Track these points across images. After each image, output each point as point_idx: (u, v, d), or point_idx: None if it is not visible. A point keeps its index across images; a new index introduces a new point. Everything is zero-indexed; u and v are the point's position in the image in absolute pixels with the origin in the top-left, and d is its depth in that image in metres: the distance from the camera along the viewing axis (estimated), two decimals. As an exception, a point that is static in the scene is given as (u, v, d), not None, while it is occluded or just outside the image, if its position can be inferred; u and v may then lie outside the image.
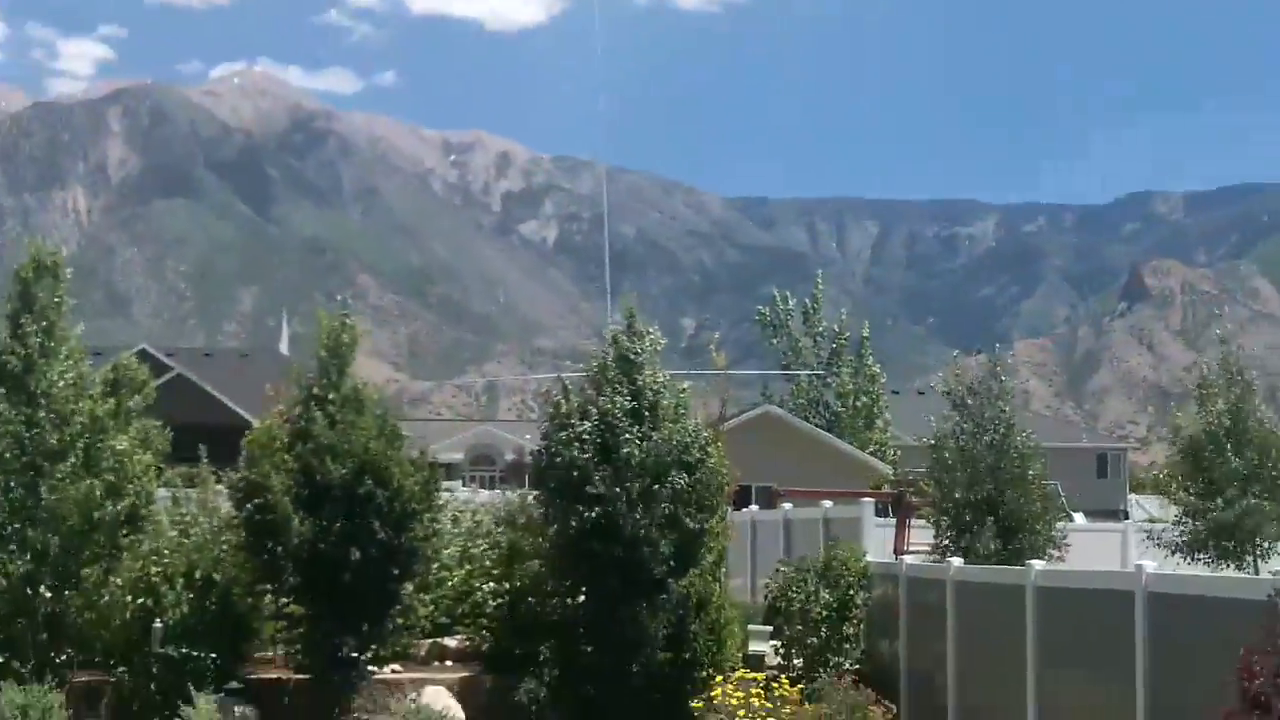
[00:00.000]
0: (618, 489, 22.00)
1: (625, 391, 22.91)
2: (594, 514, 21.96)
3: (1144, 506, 51.95)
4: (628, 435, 22.32)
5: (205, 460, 25.79)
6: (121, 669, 22.67)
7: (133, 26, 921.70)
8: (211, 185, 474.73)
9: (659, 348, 24.16)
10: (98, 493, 21.87)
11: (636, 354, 23.46)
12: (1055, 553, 27.50)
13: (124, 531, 22.63)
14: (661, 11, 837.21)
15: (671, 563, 22.26)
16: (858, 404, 68.36)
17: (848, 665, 22.93)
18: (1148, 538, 31.48)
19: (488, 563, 26.10)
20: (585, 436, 22.49)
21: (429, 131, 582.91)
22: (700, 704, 21.75)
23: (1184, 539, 30.73)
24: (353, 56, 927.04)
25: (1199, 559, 30.25)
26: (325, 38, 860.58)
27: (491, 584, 25.43)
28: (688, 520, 22.34)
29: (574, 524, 22.19)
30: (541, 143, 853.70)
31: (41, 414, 21.92)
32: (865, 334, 73.97)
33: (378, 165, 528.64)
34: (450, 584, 25.74)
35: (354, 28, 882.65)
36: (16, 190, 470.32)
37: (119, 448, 22.61)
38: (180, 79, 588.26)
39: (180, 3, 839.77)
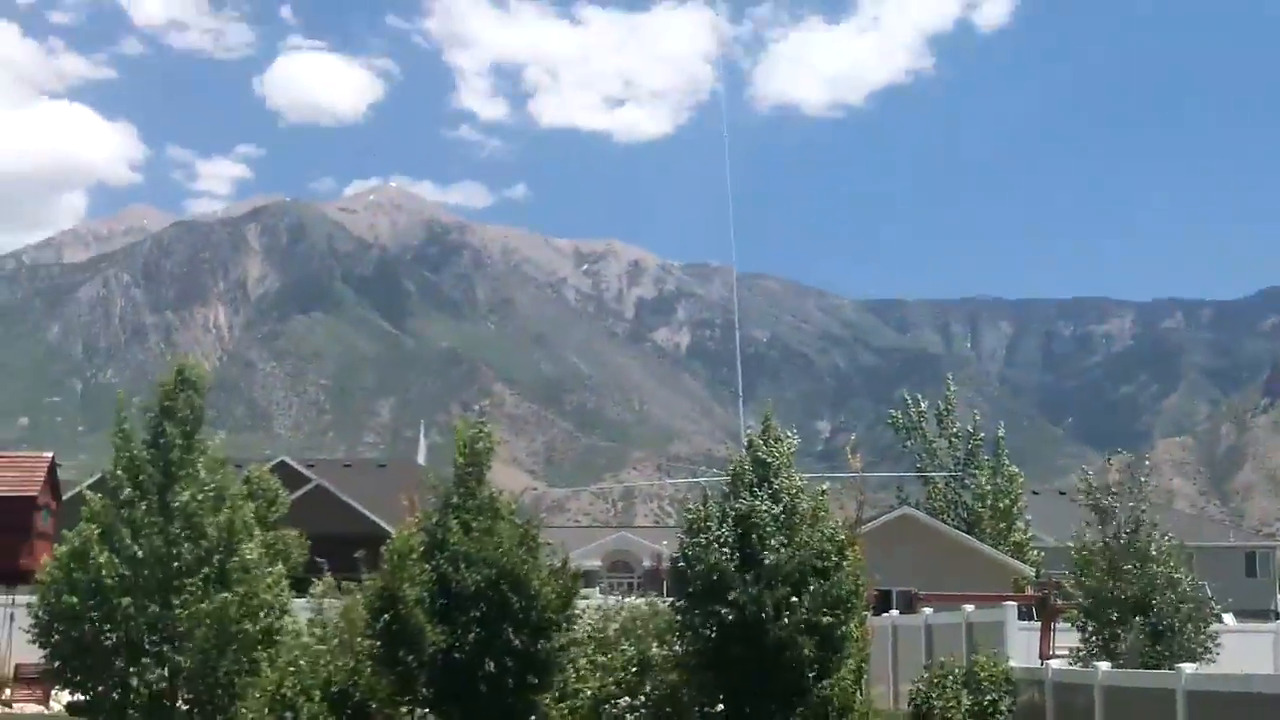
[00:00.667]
0: (760, 592, 21.71)
1: (764, 495, 22.73)
2: (734, 618, 21.70)
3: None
4: (770, 541, 22.07)
5: (328, 572, 25.85)
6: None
7: (269, 146, 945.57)
8: (349, 299, 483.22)
9: (794, 450, 23.97)
10: (232, 609, 21.92)
11: (774, 458, 23.30)
12: (1208, 655, 26.74)
13: (260, 645, 22.64)
14: (786, 118, 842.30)
15: (813, 668, 21.88)
16: (998, 506, 67.28)
17: (993, 772, 22.41)
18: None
19: (620, 674, 25.85)
20: (725, 540, 22.27)
21: (561, 241, 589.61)
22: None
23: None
24: (484, 171, 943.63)
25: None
26: (456, 153, 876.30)
27: (627, 698, 25.17)
28: (828, 624, 21.97)
29: (714, 629, 21.95)
30: (672, 250, 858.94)
31: (177, 527, 22.12)
32: (1001, 434, 72.96)
33: (511, 276, 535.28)
34: (586, 694, 25.42)
35: (484, 142, 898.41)
36: (159, 308, 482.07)
37: (249, 557, 22.71)
38: (316, 197, 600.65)
39: (315, 121, 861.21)
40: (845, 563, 22.53)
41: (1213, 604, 37.50)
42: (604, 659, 26.30)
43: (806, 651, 21.59)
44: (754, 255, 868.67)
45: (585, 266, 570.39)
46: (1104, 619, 27.16)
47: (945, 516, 66.54)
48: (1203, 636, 27.22)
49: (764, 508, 22.38)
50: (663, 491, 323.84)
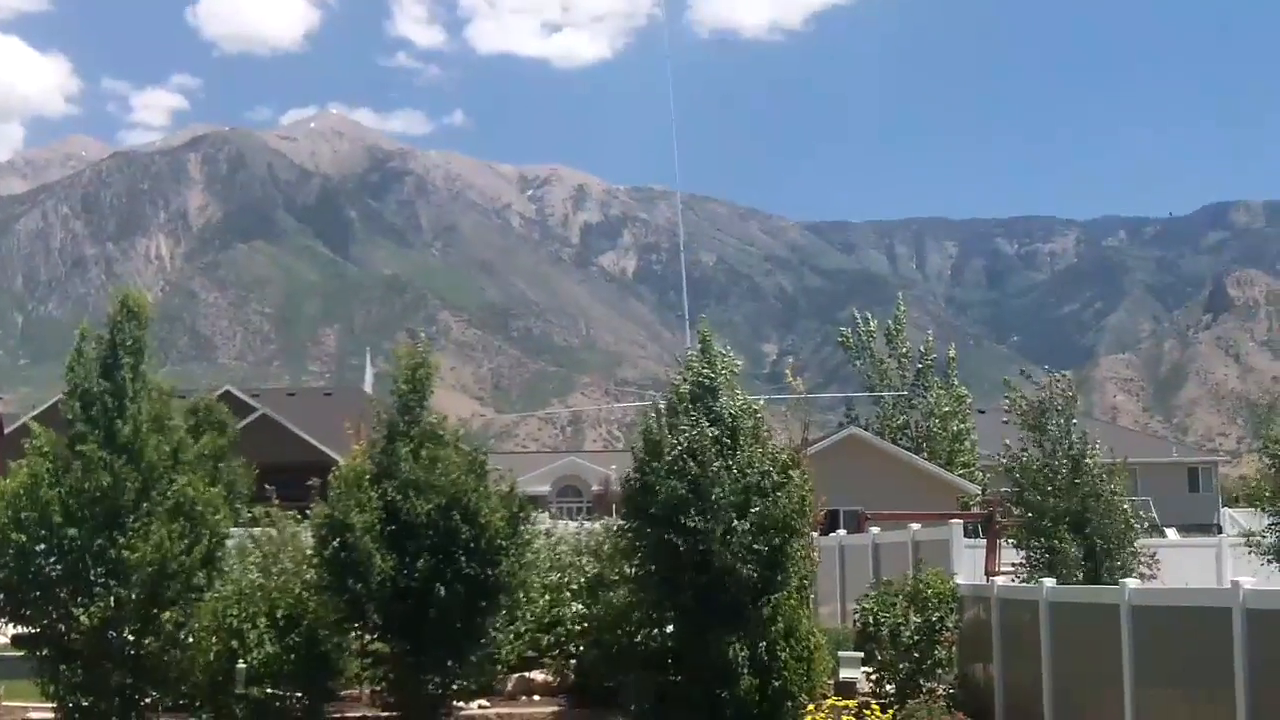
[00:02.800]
0: (711, 521, 21.75)
1: (705, 419, 22.68)
2: (685, 544, 21.75)
3: (1237, 520, 51.00)
4: (715, 466, 22.09)
5: (276, 501, 25.76)
6: (206, 711, 22.72)
7: (205, 76, 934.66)
8: (291, 228, 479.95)
9: (736, 370, 23.98)
10: (168, 541, 21.88)
11: (712, 378, 23.28)
12: (1146, 570, 27.03)
13: (200, 574, 22.58)
14: (725, 43, 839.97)
15: (756, 589, 22.00)
16: (948, 426, 67.65)
17: (940, 690, 22.59)
18: (1245, 545, 30.88)
19: (571, 591, 26.00)
20: (677, 469, 22.24)
21: (505, 167, 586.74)
22: (793, 731, 21.49)
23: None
24: (422, 98, 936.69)
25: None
26: (394, 80, 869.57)
27: (578, 605, 25.29)
28: (770, 545, 22.04)
29: (668, 556, 22.03)
30: (617, 174, 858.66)
31: (123, 461, 22.05)
32: (952, 354, 73.33)
33: (455, 202, 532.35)
34: (533, 613, 25.46)
35: (422, 69, 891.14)
36: (99, 240, 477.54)
37: (191, 491, 22.62)
38: (254, 125, 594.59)
39: (250, 51, 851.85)
40: (789, 482, 22.53)
41: (1153, 519, 37.95)
42: (555, 578, 26.44)
43: (748, 573, 21.69)
44: (699, 179, 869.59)
45: (529, 192, 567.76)
46: (1043, 535, 27.41)
47: (895, 438, 66.90)
48: (1131, 551, 27.49)
49: (708, 432, 22.38)
50: (611, 416, 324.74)
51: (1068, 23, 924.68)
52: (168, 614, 22.25)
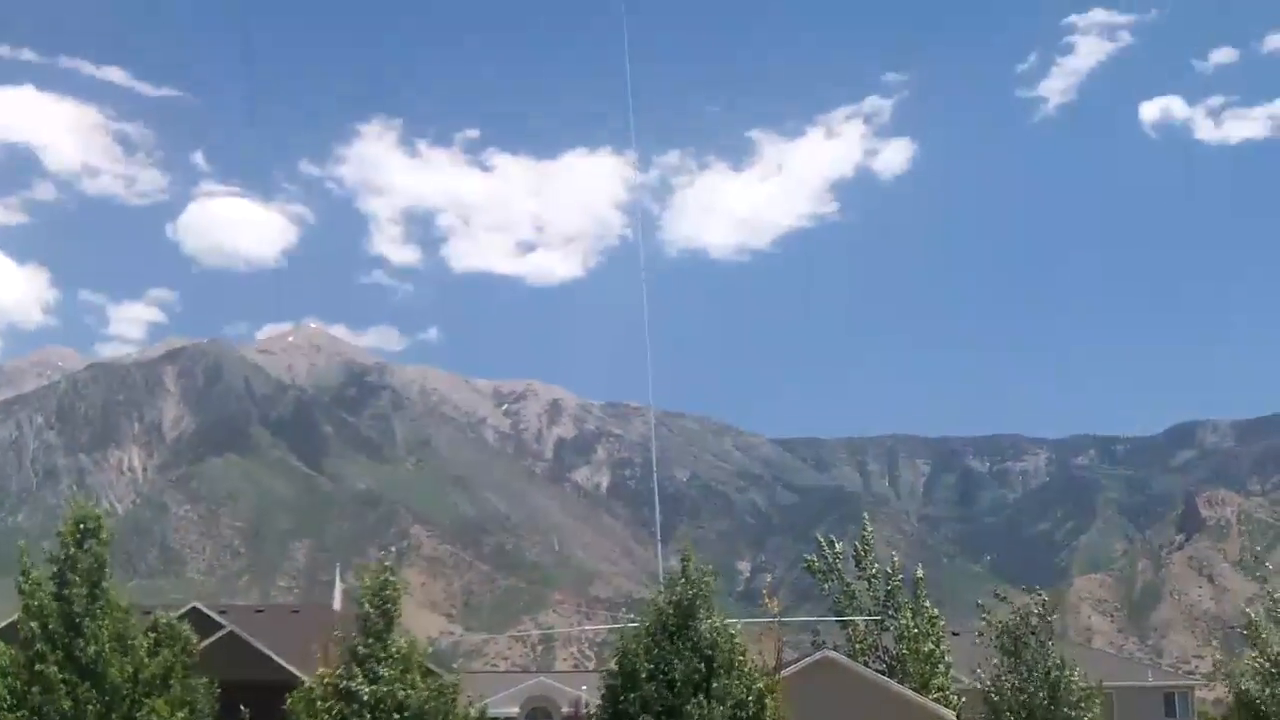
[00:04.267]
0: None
1: (684, 646, 22.53)
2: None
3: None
4: (689, 702, 21.84)
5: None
6: None
7: (182, 290, 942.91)
8: (265, 441, 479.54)
9: (714, 593, 23.90)
10: None
11: (690, 601, 23.17)
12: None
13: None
14: (695, 262, 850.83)
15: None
16: (920, 649, 66.94)
17: None
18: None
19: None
20: (650, 701, 21.95)
21: (481, 382, 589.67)
22: None
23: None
24: (397, 315, 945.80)
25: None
26: (369, 297, 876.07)
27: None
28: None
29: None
30: (592, 390, 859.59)
31: (85, 686, 21.73)
32: (920, 574, 72.87)
33: (430, 416, 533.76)
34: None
35: (397, 287, 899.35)
36: (72, 450, 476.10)
37: (154, 712, 22.25)
38: (231, 339, 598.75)
39: (229, 267, 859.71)
40: (764, 712, 22.31)
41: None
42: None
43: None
44: (672, 395, 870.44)
45: (505, 406, 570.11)
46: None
47: (867, 659, 66.14)
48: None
49: (682, 665, 22.20)
50: (583, 635, 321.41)
51: (1033, 242, 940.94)
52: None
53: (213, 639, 63.93)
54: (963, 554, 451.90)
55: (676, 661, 22.00)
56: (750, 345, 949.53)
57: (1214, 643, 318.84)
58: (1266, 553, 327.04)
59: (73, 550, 22.75)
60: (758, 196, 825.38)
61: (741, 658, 23.26)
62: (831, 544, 73.39)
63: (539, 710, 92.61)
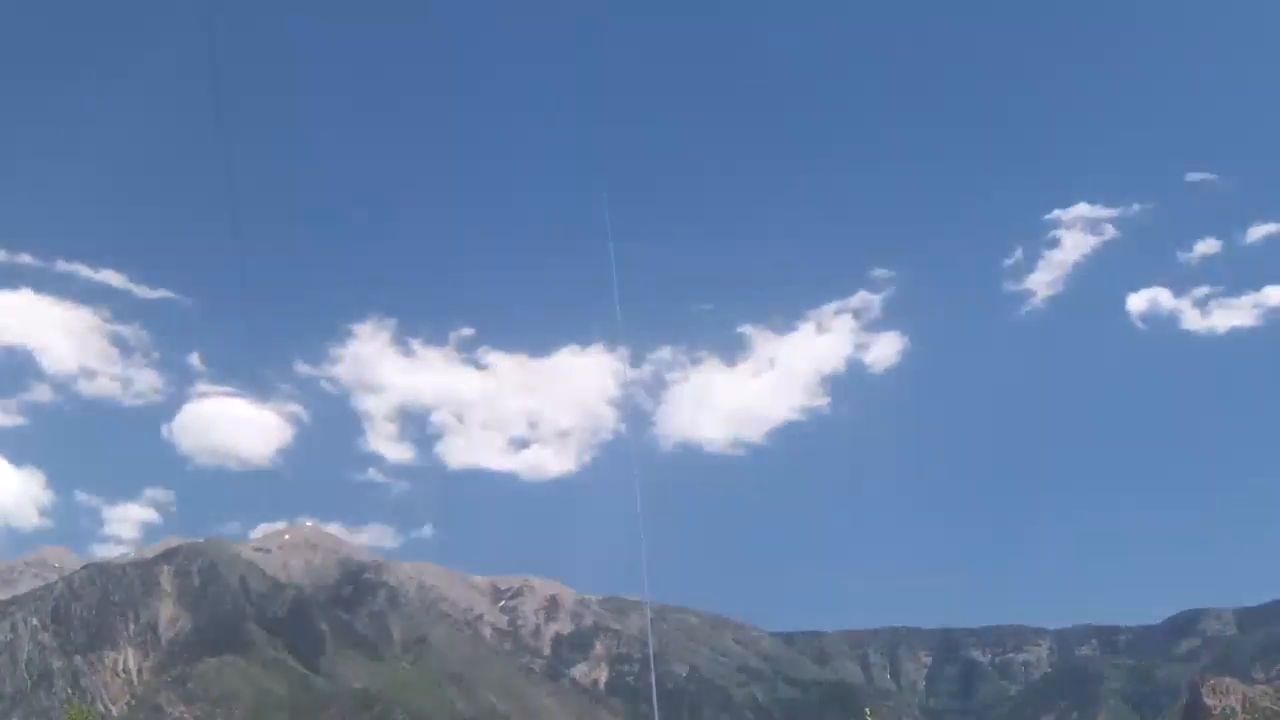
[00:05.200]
0: None
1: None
2: None
3: None
4: None
5: None
6: None
7: (177, 489, 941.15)
8: (261, 640, 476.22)
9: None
10: None
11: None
12: None
13: None
14: (689, 456, 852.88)
15: None
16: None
17: None
18: None
19: None
20: None
21: (477, 578, 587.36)
22: None
23: None
24: (392, 512, 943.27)
25: None
26: (364, 495, 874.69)
27: None
28: None
29: None
30: (589, 584, 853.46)
31: None
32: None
33: (427, 614, 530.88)
34: None
35: (392, 484, 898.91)
36: (67, 652, 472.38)
37: None
38: (226, 538, 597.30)
39: (223, 466, 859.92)
40: None
41: None
42: None
43: None
44: (671, 589, 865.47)
45: (502, 603, 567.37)
46: None
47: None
48: None
49: None
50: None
51: (1026, 433, 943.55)
52: None
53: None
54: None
55: None
56: (748, 538, 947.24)
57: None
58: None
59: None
60: (750, 391, 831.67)
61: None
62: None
63: None
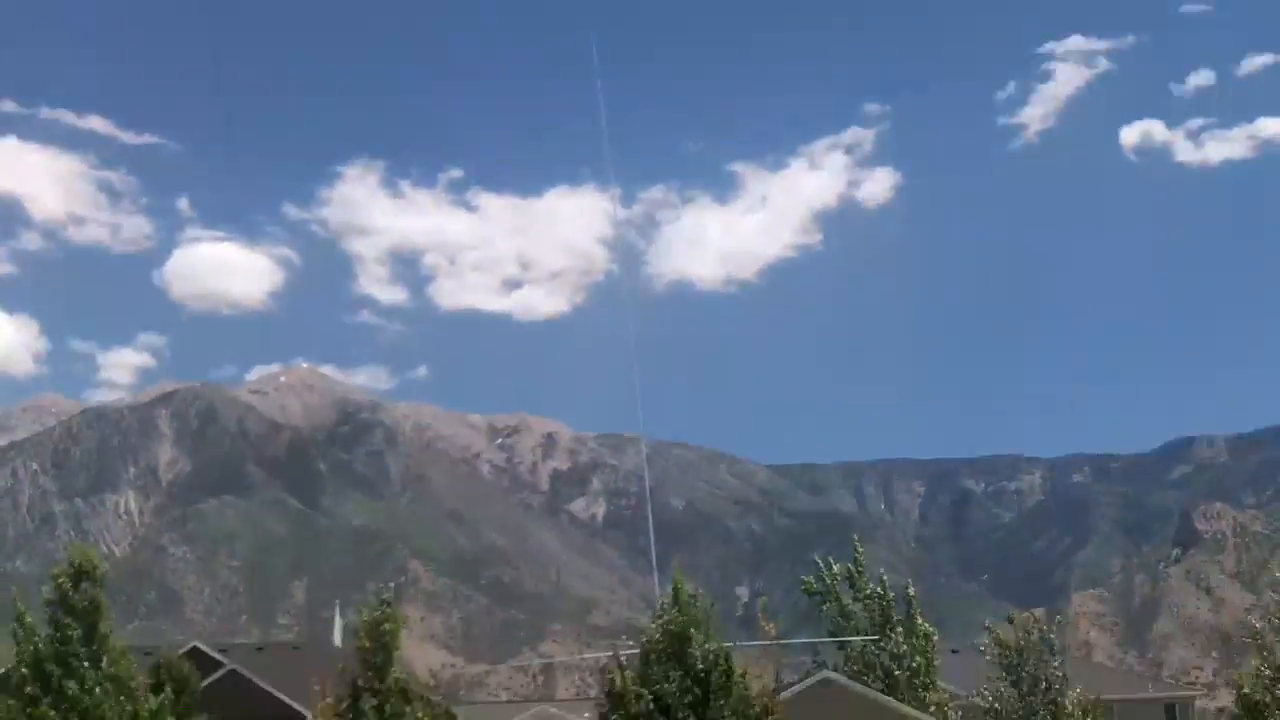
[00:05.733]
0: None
1: (676, 669, 22.80)
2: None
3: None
4: (680, 716, 22.17)
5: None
6: None
7: (171, 335, 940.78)
8: (261, 481, 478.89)
9: (708, 615, 24.14)
10: None
11: (683, 625, 23.43)
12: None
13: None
14: (682, 295, 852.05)
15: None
16: (913, 665, 67.39)
17: None
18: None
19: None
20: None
21: (474, 417, 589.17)
22: None
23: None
24: (386, 354, 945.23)
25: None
26: (358, 337, 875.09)
27: None
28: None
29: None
30: (585, 422, 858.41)
31: (78, 720, 21.99)
32: (911, 592, 73.34)
33: (425, 453, 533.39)
34: None
35: (386, 326, 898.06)
36: (68, 496, 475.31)
37: None
38: (222, 382, 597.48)
39: (216, 311, 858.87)
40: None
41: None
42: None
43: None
44: (666, 424, 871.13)
45: (499, 441, 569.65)
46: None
47: (865, 679, 66.49)
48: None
49: (671, 686, 22.51)
50: (583, 664, 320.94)
51: (1019, 265, 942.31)
52: None
53: (214, 677, 64.19)
54: (960, 574, 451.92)
55: (667, 685, 22.29)
56: (742, 374, 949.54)
57: (1213, 654, 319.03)
58: (1260, 565, 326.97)
59: (68, 593, 22.95)
60: (742, 228, 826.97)
61: (739, 680, 23.50)
62: (829, 566, 73.94)
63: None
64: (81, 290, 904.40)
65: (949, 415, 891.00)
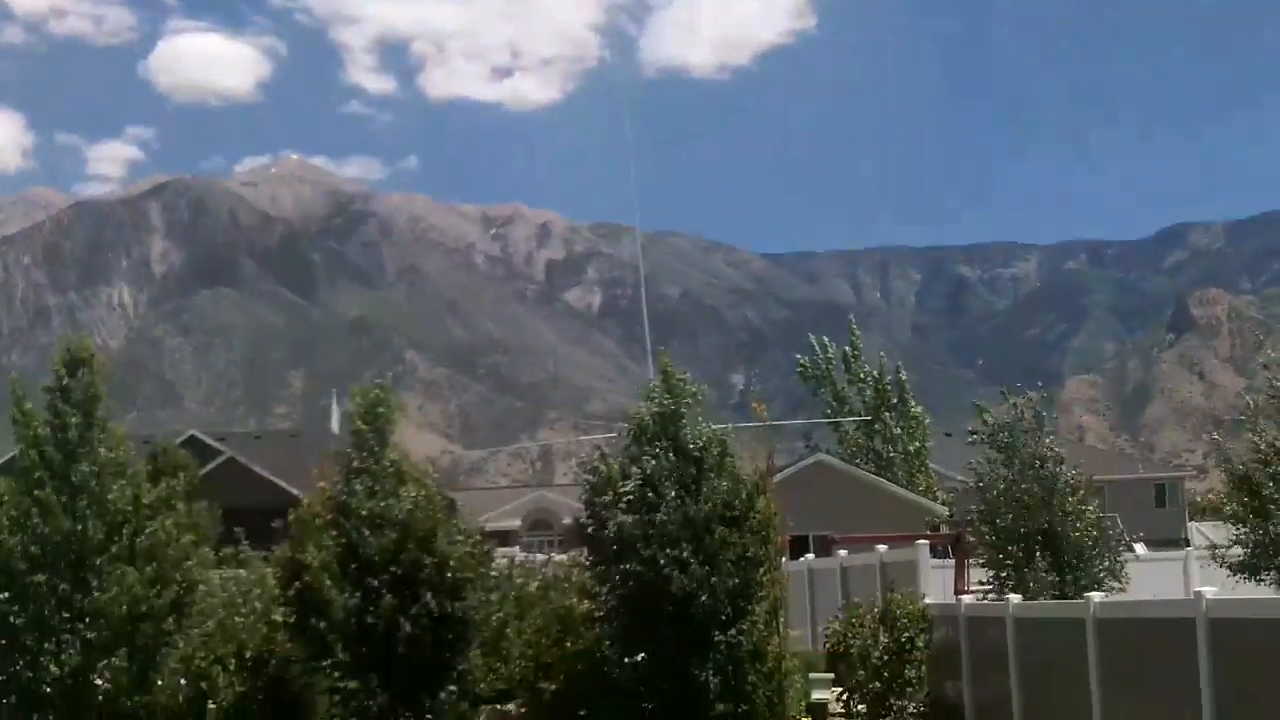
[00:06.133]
0: (664, 550, 21.83)
1: (667, 448, 22.75)
2: (642, 575, 21.86)
3: (1204, 534, 51.07)
4: (669, 495, 22.17)
5: (245, 543, 25.75)
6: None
7: (159, 127, 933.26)
8: (254, 273, 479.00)
9: (699, 399, 23.97)
10: (138, 586, 21.92)
11: (674, 407, 23.28)
12: (1116, 584, 27.01)
13: (170, 619, 22.58)
14: (676, 81, 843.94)
15: (723, 617, 22.04)
16: (909, 449, 67.90)
17: (911, 708, 22.53)
18: (1211, 558, 30.69)
19: (540, 623, 25.96)
20: (629, 500, 22.33)
21: (468, 207, 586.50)
22: (763, 756, 21.47)
23: (1244, 560, 29.85)
24: (376, 144, 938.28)
25: (1262, 581, 29.44)
26: (347, 127, 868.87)
27: (555, 648, 25.17)
28: (734, 572, 22.13)
29: (624, 586, 22.15)
30: (579, 211, 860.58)
31: (84, 503, 22.06)
32: (902, 377, 73.63)
33: (419, 244, 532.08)
34: (509, 653, 25.53)
35: (375, 116, 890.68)
36: (62, 289, 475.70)
37: (160, 535, 22.63)
38: (212, 173, 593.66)
39: (203, 102, 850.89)
40: (756, 510, 22.63)
41: (1122, 535, 37.81)
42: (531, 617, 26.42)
43: (712, 601, 21.77)
44: (660, 213, 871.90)
45: (493, 231, 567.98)
46: (1012, 555, 27.35)
47: (858, 462, 67.01)
48: (1106, 567, 27.47)
49: (661, 461, 22.45)
50: (580, 450, 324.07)
51: (1016, 47, 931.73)
52: (138, 659, 22.15)
53: (213, 465, 64.62)
54: (955, 360, 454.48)
55: (653, 461, 22.17)
56: (737, 162, 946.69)
57: (1204, 437, 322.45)
58: (1254, 350, 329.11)
59: (65, 381, 22.85)
60: (736, 13, 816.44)
61: (731, 459, 23.42)
62: (824, 347, 74.12)
63: (540, 522, 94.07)
64: (67, 83, 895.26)
65: (945, 202, 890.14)
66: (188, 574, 23.02)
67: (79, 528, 21.96)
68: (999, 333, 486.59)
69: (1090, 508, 27.91)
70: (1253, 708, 13.48)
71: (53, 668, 21.70)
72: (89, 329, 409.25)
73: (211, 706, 22.29)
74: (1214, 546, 30.88)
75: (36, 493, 22.13)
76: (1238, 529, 29.74)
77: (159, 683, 22.48)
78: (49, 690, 21.89)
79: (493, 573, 23.80)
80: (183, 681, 22.51)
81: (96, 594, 21.75)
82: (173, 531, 23.04)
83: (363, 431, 23.52)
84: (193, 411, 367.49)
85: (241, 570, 25.23)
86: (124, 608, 21.87)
